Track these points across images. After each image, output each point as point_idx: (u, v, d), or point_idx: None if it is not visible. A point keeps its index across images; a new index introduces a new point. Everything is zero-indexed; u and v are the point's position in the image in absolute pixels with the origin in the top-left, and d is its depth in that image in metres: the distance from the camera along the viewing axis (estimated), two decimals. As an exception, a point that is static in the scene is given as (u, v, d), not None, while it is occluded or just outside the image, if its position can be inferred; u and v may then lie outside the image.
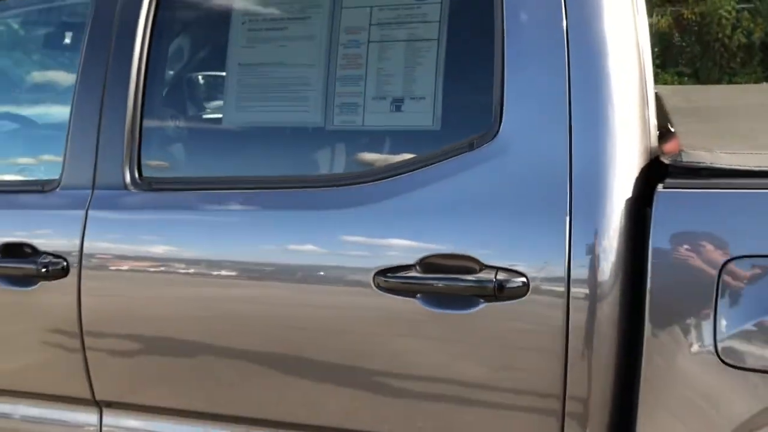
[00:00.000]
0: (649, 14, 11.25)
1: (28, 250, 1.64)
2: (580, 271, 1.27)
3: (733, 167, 1.24)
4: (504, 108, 1.33)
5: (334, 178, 1.52)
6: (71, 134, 1.64)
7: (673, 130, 1.56)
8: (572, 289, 1.27)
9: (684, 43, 13.84)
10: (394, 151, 1.50)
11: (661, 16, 13.59)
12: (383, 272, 1.36)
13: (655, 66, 10.77)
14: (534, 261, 1.30)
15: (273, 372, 1.52)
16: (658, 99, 2.14)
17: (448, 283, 1.34)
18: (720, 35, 12.33)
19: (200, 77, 1.83)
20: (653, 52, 11.83)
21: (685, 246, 1.24)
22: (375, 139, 1.53)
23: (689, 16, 13.33)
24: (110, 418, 1.68)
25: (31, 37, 2.03)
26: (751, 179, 1.23)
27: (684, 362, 1.24)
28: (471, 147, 1.35)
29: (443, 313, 1.34)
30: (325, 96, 1.48)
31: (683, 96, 2.37)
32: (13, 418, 1.79)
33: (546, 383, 1.32)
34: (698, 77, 12.21)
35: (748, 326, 1.19)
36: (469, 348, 1.35)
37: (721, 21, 12.30)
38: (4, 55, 2.06)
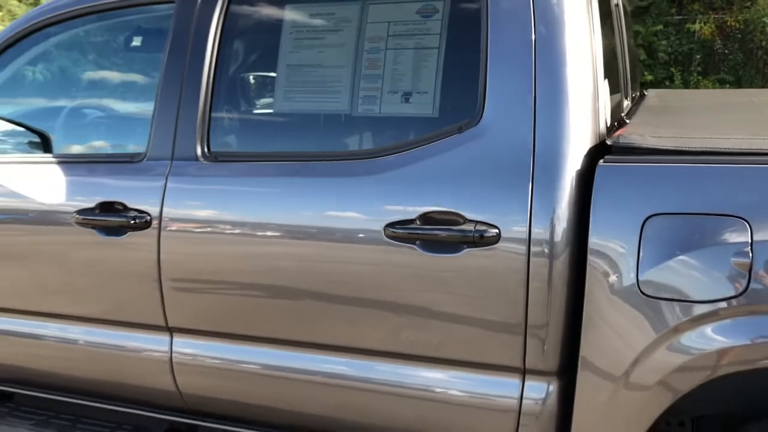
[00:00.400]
0: (692, 21, 11.47)
1: (120, 207, 2.14)
2: (539, 244, 1.70)
3: (654, 147, 1.67)
4: (485, 102, 1.78)
5: (357, 153, 1.99)
6: (156, 117, 2.13)
7: (627, 121, 1.98)
8: (532, 248, 1.71)
9: (726, 51, 13.93)
10: (403, 133, 1.95)
11: (704, 23, 13.71)
12: (391, 225, 1.82)
13: (697, 73, 10.93)
14: (504, 217, 1.74)
15: (303, 304, 1.98)
16: (641, 98, 2.57)
17: (440, 233, 1.79)
18: (763, 43, 12.45)
19: (256, 75, 2.31)
20: (695, 59, 12.03)
21: (617, 206, 1.66)
22: (389, 124, 1.99)
23: (733, 24, 13.44)
24: (179, 340, 2.17)
25: (121, 42, 2.55)
26: (666, 156, 1.66)
27: (616, 295, 1.67)
28: (460, 130, 1.81)
29: (435, 256, 1.79)
30: (352, 90, 1.96)
31: (663, 97, 2.78)
32: (101, 342, 2.29)
33: (512, 312, 1.75)
34: (741, 85, 12.37)
35: (660, 266, 1.62)
36: (454, 283, 1.80)
37: (765, 29, 12.41)
38: (103, 58, 2.59)
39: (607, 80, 1.88)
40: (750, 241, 1.53)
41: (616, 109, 2.08)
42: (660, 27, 13.31)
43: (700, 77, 12.75)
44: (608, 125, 1.86)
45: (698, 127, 1.97)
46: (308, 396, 2.05)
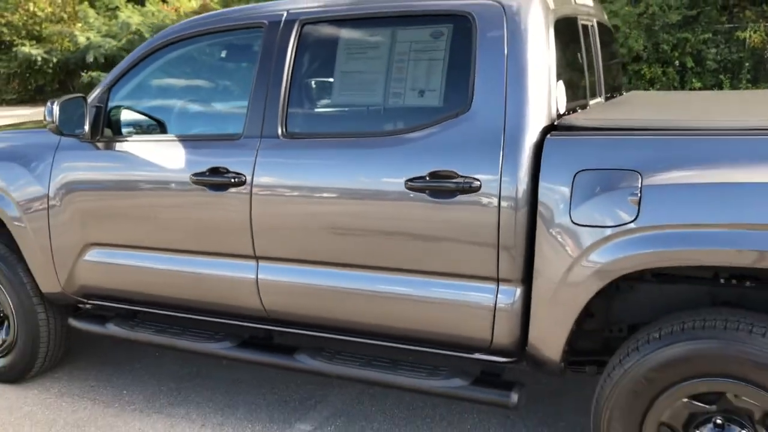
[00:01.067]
0: (743, 29, 12.26)
1: (224, 171, 3.12)
2: (506, 192, 2.59)
3: (582, 125, 2.55)
4: (474, 96, 2.69)
5: (389, 132, 2.93)
6: (250, 107, 3.11)
7: (579, 110, 2.87)
8: (502, 193, 2.60)
9: (776, 58, 14.33)
10: (420, 118, 2.86)
11: (754, 32, 14.22)
12: (410, 179, 2.74)
13: (746, 81, 11.68)
14: (484, 174, 2.64)
15: (352, 237, 2.92)
16: (619, 96, 3.46)
17: (441, 184, 2.70)
18: (813, 51, 12.88)
19: (319, 78, 3.27)
20: (744, 68, 12.81)
21: (558, 165, 2.54)
22: (410, 112, 2.92)
23: (783, 31, 13.87)
24: (263, 265, 3.14)
25: (224, 54, 3.56)
26: (589, 131, 2.54)
27: (557, 225, 2.54)
28: (456, 115, 2.72)
29: (438, 200, 2.70)
30: (385, 88, 2.90)
31: (633, 95, 3.64)
32: (205, 270, 3.26)
33: (490, 238, 2.65)
34: (790, 92, 12.79)
35: (585, 204, 2.49)
36: (450, 219, 2.70)
37: (815, 37, 12.85)
38: (209, 67, 3.62)
39: (561, 81, 2.76)
40: (640, 186, 2.40)
41: (574, 101, 2.95)
42: (708, 35, 13.81)
43: (749, 85, 13.24)
44: (560, 112, 2.74)
45: (624, 114, 2.83)
46: (355, 302, 2.97)
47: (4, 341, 3.95)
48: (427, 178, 2.73)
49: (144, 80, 3.55)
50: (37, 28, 21.76)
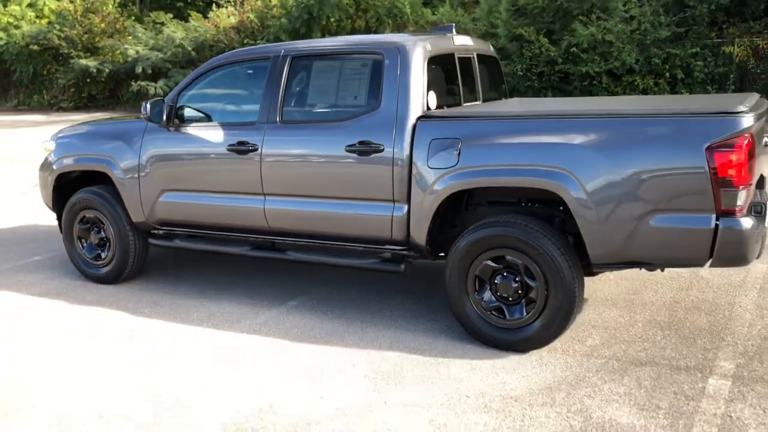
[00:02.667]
0: (729, 44, 15.06)
1: (247, 143, 5.63)
2: (397, 152, 5.03)
3: (436, 115, 4.99)
4: (381, 99, 5.16)
5: (338, 119, 5.44)
6: (261, 105, 5.65)
7: (447, 107, 5.30)
8: (395, 152, 5.05)
9: (759, 71, 16.58)
10: (353, 111, 5.37)
11: (739, 47, 16.43)
12: (348, 146, 5.22)
13: (732, 91, 14.44)
14: (386, 141, 5.09)
15: (317, 180, 5.39)
16: (499, 101, 5.92)
17: (364, 148, 5.18)
18: (791, 64, 15.00)
19: (301, 88, 5.74)
20: (730, 79, 15.65)
21: (422, 137, 4.98)
22: (348, 108, 5.45)
23: (765, 47, 16.09)
24: (268, 199, 5.64)
25: (248, 73, 6.08)
26: (439, 118, 4.97)
27: (422, 173, 4.97)
28: (373, 110, 5.23)
29: (362, 157, 5.19)
30: (336, 94, 5.42)
31: (505, 101, 6.07)
32: (234, 204, 5.78)
33: (388, 177, 5.11)
34: (771, 101, 14.91)
35: (434, 157, 4.90)
36: (369, 168, 5.17)
37: (791, 51, 14.97)
38: (238, 81, 6.15)
39: (433, 92, 5.17)
40: (459, 146, 4.82)
41: (447, 103, 5.37)
42: (697, 50, 15.97)
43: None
44: (430, 108, 5.15)
45: (464, 110, 5.26)
46: (320, 218, 5.43)
47: (106, 256, 6.53)
48: (357, 145, 5.18)
49: (199, 89, 6.08)
50: (92, 42, 24.95)
